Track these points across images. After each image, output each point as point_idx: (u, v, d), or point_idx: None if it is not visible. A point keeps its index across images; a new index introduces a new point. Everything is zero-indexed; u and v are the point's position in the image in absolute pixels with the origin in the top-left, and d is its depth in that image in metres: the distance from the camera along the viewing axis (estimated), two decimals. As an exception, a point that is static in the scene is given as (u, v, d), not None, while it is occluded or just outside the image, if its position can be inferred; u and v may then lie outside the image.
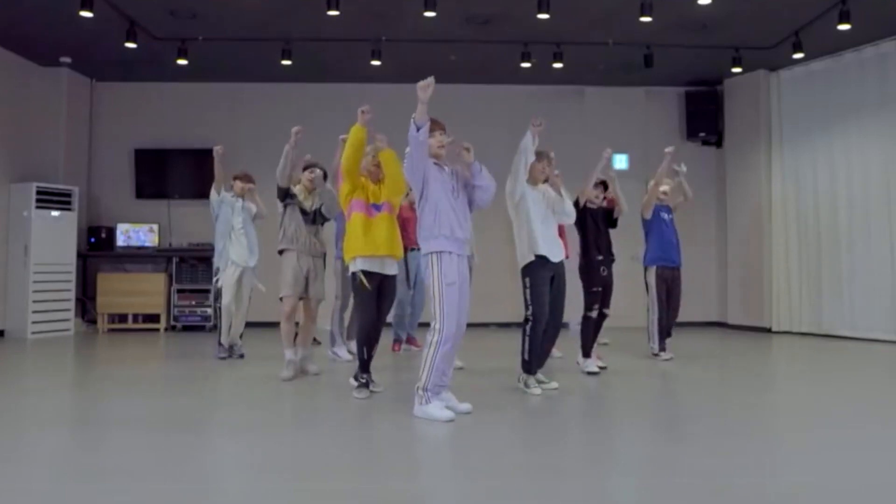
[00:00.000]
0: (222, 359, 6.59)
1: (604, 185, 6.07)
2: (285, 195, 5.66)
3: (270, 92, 10.01)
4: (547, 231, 4.99)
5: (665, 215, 6.80)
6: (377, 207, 4.82)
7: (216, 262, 6.70)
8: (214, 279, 6.81)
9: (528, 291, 4.90)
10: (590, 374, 5.75)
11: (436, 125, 4.19)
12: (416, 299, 7.21)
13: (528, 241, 4.90)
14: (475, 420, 4.09)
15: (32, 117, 9.07)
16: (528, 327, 4.91)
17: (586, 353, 5.90)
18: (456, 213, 4.19)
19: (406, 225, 6.10)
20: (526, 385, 4.91)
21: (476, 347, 7.00)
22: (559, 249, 5.04)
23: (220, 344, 6.67)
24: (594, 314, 5.87)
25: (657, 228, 6.73)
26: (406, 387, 4.73)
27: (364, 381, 4.81)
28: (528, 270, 4.92)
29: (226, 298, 6.53)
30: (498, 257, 8.48)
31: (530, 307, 4.89)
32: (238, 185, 6.66)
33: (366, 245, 4.72)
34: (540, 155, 5.08)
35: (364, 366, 4.83)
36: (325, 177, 5.78)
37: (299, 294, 5.59)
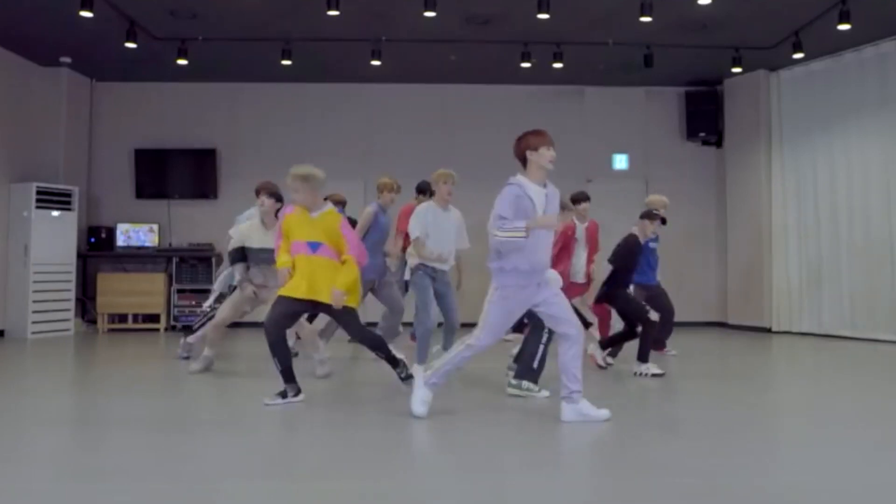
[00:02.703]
0: (184, 359, 6.38)
1: (662, 220, 6.18)
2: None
3: (270, 92, 10.02)
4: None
5: (651, 244, 6.57)
6: (313, 247, 4.48)
7: (217, 286, 6.50)
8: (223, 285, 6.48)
9: None
10: (654, 375, 5.73)
11: (547, 138, 4.12)
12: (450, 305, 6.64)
13: None
14: (475, 420, 4.09)
15: (32, 117, 9.07)
16: (545, 338, 4.90)
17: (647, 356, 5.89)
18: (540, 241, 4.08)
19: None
20: (528, 389, 4.86)
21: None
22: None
23: (187, 342, 6.44)
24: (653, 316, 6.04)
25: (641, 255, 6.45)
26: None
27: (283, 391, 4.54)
28: None
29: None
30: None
31: None
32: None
33: (303, 289, 4.43)
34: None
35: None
36: (279, 199, 5.71)
37: (237, 316, 5.91)
